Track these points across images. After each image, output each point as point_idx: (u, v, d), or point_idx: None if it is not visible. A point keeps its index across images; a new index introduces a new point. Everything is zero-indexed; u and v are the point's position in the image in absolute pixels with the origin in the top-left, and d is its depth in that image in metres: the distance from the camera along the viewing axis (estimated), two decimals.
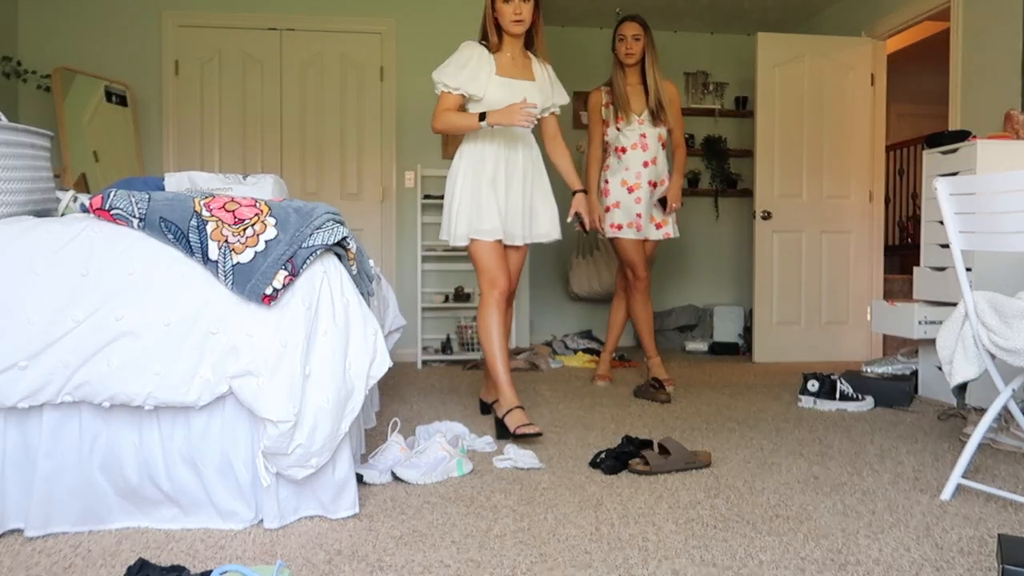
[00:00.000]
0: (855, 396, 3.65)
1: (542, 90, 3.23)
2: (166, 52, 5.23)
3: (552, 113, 3.34)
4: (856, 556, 1.82)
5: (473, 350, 5.26)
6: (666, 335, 6.37)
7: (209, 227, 1.95)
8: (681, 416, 3.48)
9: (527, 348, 5.36)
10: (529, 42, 3.24)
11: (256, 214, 2.00)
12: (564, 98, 3.34)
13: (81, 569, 1.73)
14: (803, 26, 6.25)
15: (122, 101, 5.07)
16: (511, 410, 2.94)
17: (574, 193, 3.36)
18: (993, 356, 2.22)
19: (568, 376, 4.68)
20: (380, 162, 5.46)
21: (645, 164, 4.12)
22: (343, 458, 2.05)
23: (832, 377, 3.70)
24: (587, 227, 3.42)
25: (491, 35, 3.17)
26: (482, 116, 2.97)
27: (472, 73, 3.08)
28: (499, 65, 3.15)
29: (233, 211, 2.00)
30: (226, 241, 1.94)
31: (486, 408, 3.35)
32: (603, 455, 2.57)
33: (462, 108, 3.14)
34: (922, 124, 8.00)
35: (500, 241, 3.12)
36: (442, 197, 5.24)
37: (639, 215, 4.12)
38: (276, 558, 1.79)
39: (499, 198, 3.12)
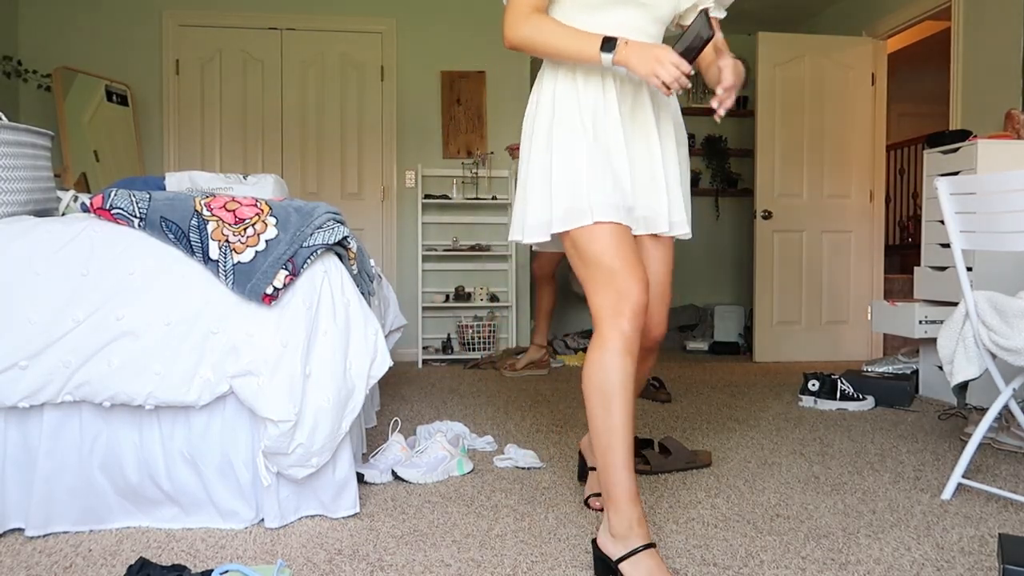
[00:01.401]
0: (856, 396, 3.65)
1: None
2: (167, 52, 5.23)
3: (702, 10, 1.69)
4: (857, 556, 1.81)
5: (473, 350, 5.26)
6: (667, 334, 6.37)
7: (210, 227, 1.95)
8: (681, 416, 3.48)
9: (528, 348, 5.36)
10: None
11: (257, 214, 2.00)
12: None
13: (82, 568, 1.73)
14: (803, 26, 6.25)
15: (123, 101, 5.07)
16: (637, 551, 1.62)
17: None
18: (994, 356, 2.22)
19: (569, 375, 4.68)
20: (380, 162, 5.46)
21: None
22: (344, 457, 2.05)
23: (833, 377, 3.70)
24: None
25: None
26: (607, 44, 1.64)
27: None
28: None
29: (234, 211, 2.00)
30: (227, 241, 1.94)
31: (584, 471, 2.20)
32: None
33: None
34: (923, 124, 8.00)
35: (627, 229, 1.76)
36: (443, 197, 5.30)
37: None
38: (277, 558, 1.79)
39: (621, 157, 1.78)
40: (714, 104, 1.69)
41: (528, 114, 1.89)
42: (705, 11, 1.65)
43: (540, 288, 4.79)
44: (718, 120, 1.70)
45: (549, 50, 1.72)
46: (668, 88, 1.61)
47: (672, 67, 1.59)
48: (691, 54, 1.63)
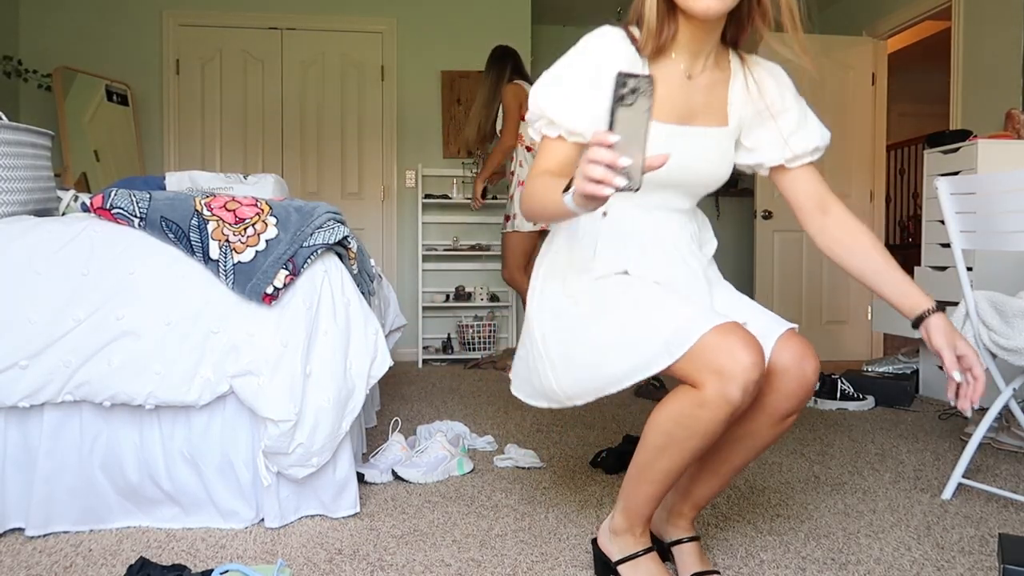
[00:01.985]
0: (856, 395, 3.65)
1: (753, 135, 1.63)
2: (167, 51, 5.23)
3: (805, 164, 1.63)
4: (857, 555, 1.81)
5: (473, 349, 5.26)
6: None
7: (210, 226, 1.95)
8: None
9: None
10: (735, 29, 1.56)
11: (257, 213, 2.00)
12: (818, 137, 1.64)
13: (82, 568, 1.73)
14: (804, 25, 6.25)
15: (123, 100, 5.07)
16: (637, 555, 1.59)
17: (924, 318, 1.49)
18: (994, 355, 2.22)
19: None
20: (381, 161, 5.46)
21: None
22: (344, 457, 2.05)
23: (833, 376, 3.70)
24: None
25: (650, 18, 1.46)
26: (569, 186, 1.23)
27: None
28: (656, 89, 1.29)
29: (234, 210, 2.00)
30: (227, 240, 1.94)
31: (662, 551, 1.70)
32: (604, 454, 2.57)
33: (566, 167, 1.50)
34: (923, 123, 8.01)
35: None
36: (443, 196, 5.29)
37: None
38: (277, 557, 1.79)
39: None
40: (962, 405, 1.40)
41: (538, 273, 1.65)
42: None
43: (522, 290, 4.77)
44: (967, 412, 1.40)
45: (539, 213, 1.41)
46: (596, 195, 1.12)
47: (591, 166, 1.11)
48: (611, 115, 1.10)
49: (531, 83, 4.25)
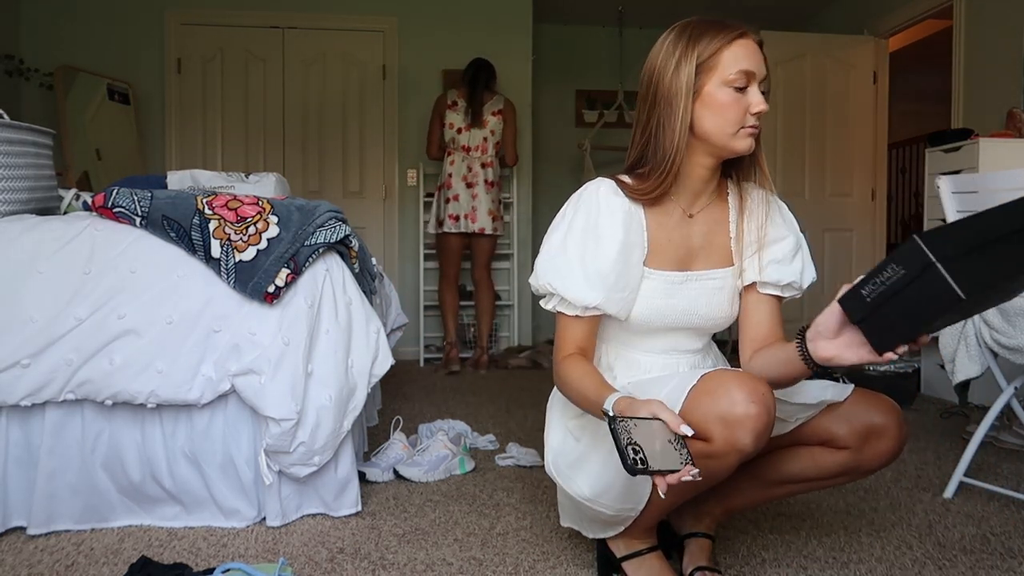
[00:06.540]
0: None
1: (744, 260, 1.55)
2: (169, 50, 5.24)
3: (771, 297, 1.56)
4: (859, 554, 1.81)
5: (474, 348, 5.25)
6: None
7: (211, 225, 1.96)
8: None
9: (530, 347, 5.37)
10: (736, 161, 1.52)
11: (258, 212, 2.01)
12: (796, 275, 1.54)
13: (84, 567, 1.73)
14: (805, 24, 6.24)
15: (124, 99, 5.08)
16: (642, 552, 1.60)
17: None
18: (995, 354, 2.22)
19: None
20: (382, 160, 5.46)
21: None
22: (345, 456, 2.05)
23: (835, 375, 3.70)
24: None
25: (667, 160, 1.43)
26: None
27: (623, 268, 1.45)
28: (653, 237, 1.49)
29: (236, 209, 2.00)
30: (228, 239, 1.94)
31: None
32: None
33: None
34: (924, 122, 7.98)
35: None
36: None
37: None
38: (278, 556, 1.79)
39: None
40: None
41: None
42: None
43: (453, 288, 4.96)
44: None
45: (575, 402, 1.46)
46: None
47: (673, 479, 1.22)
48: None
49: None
